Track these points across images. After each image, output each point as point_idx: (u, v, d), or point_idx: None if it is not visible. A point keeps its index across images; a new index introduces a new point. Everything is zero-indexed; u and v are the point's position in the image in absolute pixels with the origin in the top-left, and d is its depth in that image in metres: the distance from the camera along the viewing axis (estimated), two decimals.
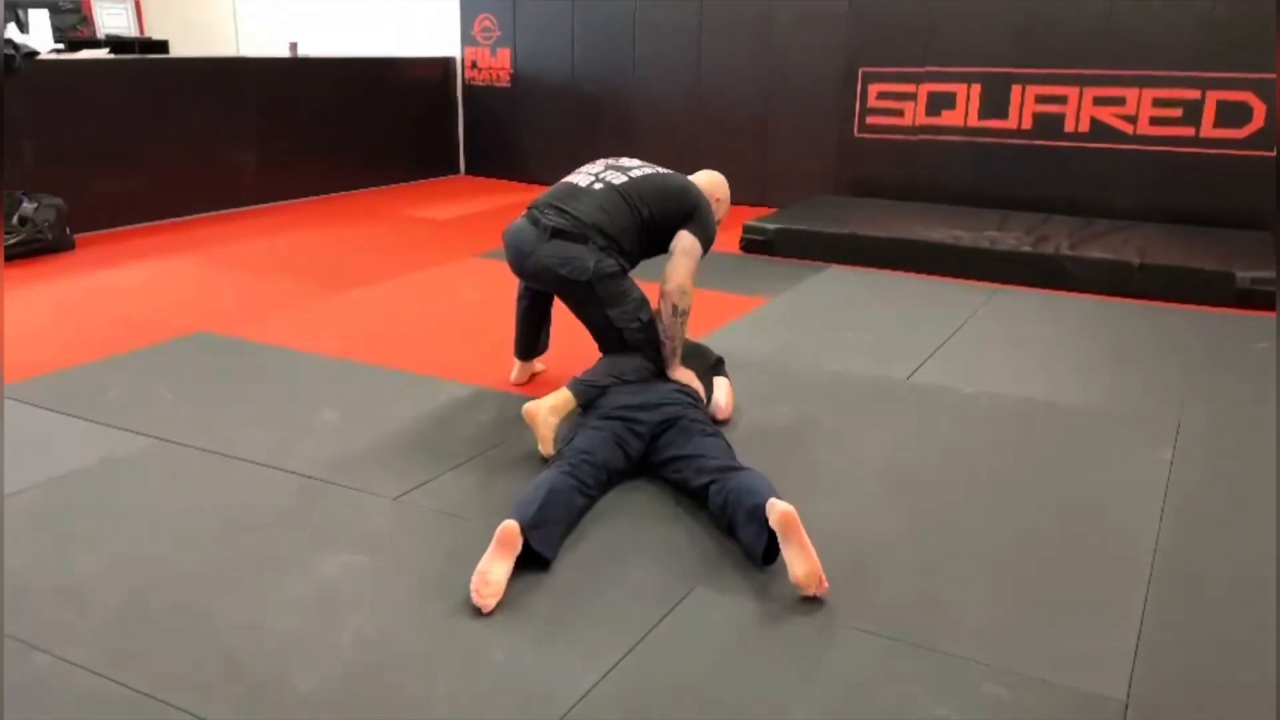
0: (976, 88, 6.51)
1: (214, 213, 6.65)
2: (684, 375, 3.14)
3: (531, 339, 3.51)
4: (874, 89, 6.86)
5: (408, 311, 4.55)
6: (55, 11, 8.78)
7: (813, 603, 2.23)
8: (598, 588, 2.28)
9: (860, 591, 2.29)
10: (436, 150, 8.48)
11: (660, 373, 3.09)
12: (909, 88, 6.73)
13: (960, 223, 5.72)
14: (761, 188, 7.26)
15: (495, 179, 8.44)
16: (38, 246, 5.26)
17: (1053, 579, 2.38)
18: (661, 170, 3.25)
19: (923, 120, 6.72)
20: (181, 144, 6.37)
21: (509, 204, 7.35)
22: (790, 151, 7.23)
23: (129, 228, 6.09)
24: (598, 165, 3.23)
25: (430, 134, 8.41)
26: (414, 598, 2.22)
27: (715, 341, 4.06)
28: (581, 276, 2.97)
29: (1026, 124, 6.41)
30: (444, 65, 8.38)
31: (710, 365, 3.36)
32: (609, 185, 3.10)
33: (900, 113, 6.79)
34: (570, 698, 1.91)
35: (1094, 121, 6.20)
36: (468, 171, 8.65)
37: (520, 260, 3.07)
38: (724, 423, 3.18)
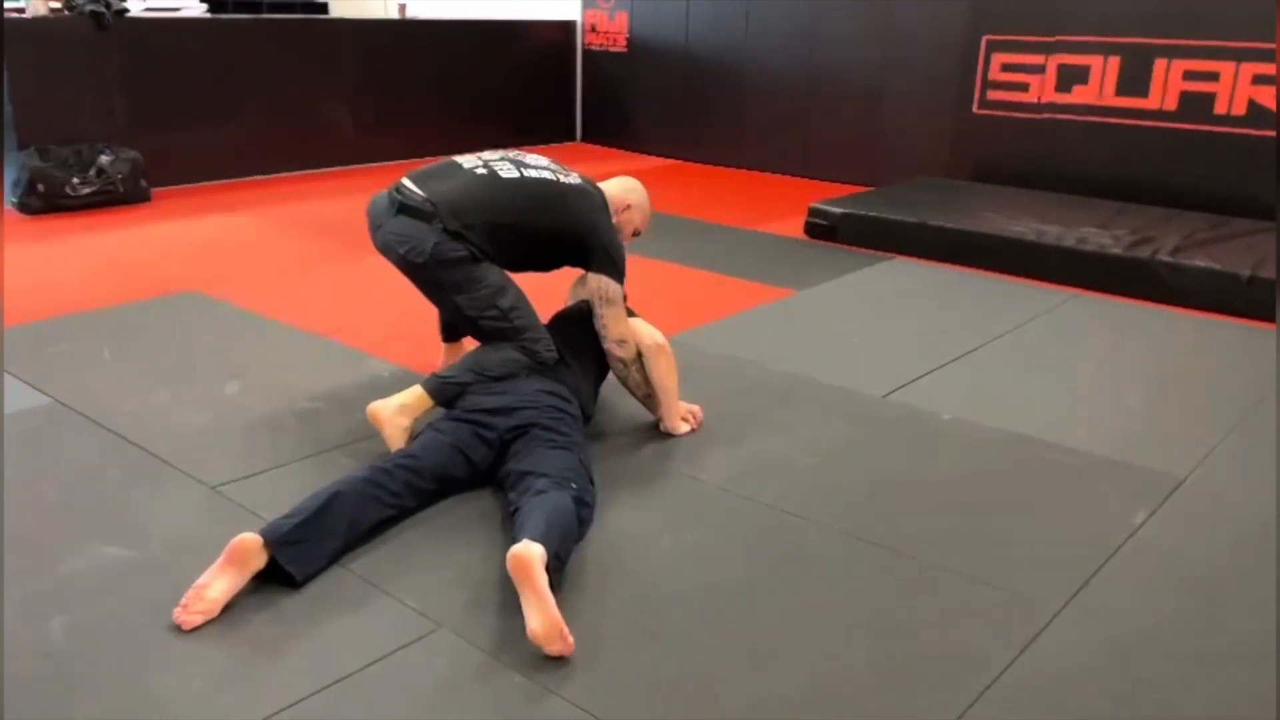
0: (1114, 60, 5.65)
1: (308, 171, 6.78)
2: (675, 424, 2.91)
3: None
4: (998, 59, 6.10)
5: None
6: None
7: (553, 664, 1.89)
8: (329, 615, 2.03)
9: (595, 657, 1.93)
10: (553, 116, 8.33)
11: (534, 368, 2.76)
12: (1037, 59, 5.94)
13: (1064, 215, 4.99)
14: (871, 167, 6.67)
15: (610, 147, 8.20)
16: (110, 197, 5.49)
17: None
18: (565, 179, 2.87)
19: (1050, 96, 5.92)
20: (274, 103, 6.50)
21: (602, 175, 7.10)
22: (903, 128, 6.58)
23: (214, 183, 6.28)
24: (497, 152, 2.92)
25: (548, 99, 8.26)
26: (133, 603, 2.04)
27: (698, 336, 3.71)
28: (418, 258, 2.67)
29: (1170, 104, 5.50)
30: (565, 28, 8.19)
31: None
32: (492, 173, 2.78)
33: (1025, 87, 6.01)
34: None
35: (1251, 104, 5.24)
36: (584, 139, 8.46)
37: (372, 234, 2.82)
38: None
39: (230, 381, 3.21)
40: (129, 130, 5.81)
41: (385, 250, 2.79)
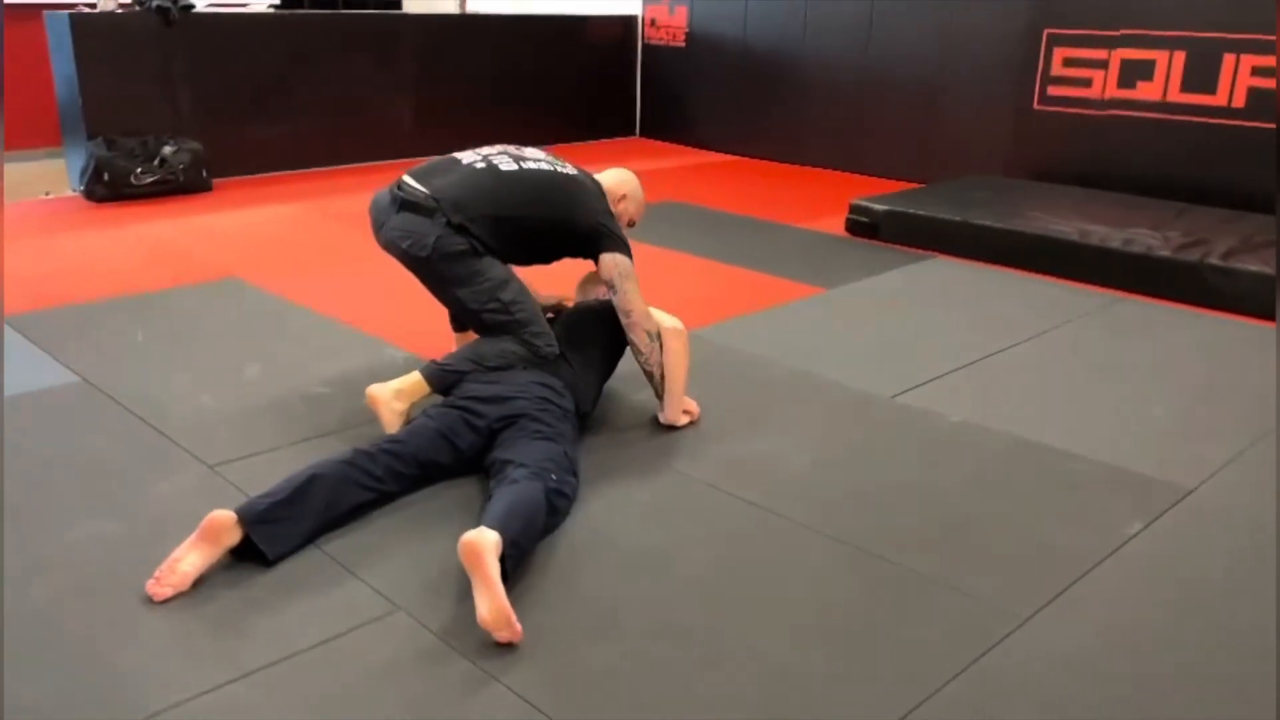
0: (1180, 55, 5.44)
1: (366, 164, 6.93)
2: (676, 415, 2.90)
3: None
4: (1059, 54, 5.92)
5: None
6: None
7: (502, 651, 1.91)
8: (295, 593, 2.08)
9: (544, 647, 1.94)
10: (613, 111, 8.36)
11: (533, 360, 2.78)
12: (1100, 53, 5.75)
13: (1116, 215, 4.82)
14: (926, 165, 6.54)
15: (668, 142, 8.19)
16: (171, 186, 5.70)
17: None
18: (563, 170, 2.90)
19: (1114, 92, 5.72)
20: (334, 96, 6.66)
21: (659, 169, 7.12)
22: (960, 125, 6.44)
23: (274, 174, 6.46)
24: (495, 148, 2.95)
25: (607, 94, 8.29)
26: (113, 575, 2.12)
27: (717, 332, 3.69)
28: (421, 252, 2.72)
29: (1239, 101, 5.27)
30: (625, 23, 8.21)
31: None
32: (492, 168, 2.82)
33: (1088, 82, 5.82)
34: (168, 700, 1.75)
35: None
36: (642, 134, 8.47)
37: (375, 232, 2.87)
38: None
39: (250, 365, 3.30)
40: (193, 122, 6.02)
41: (389, 247, 2.84)
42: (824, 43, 7.01)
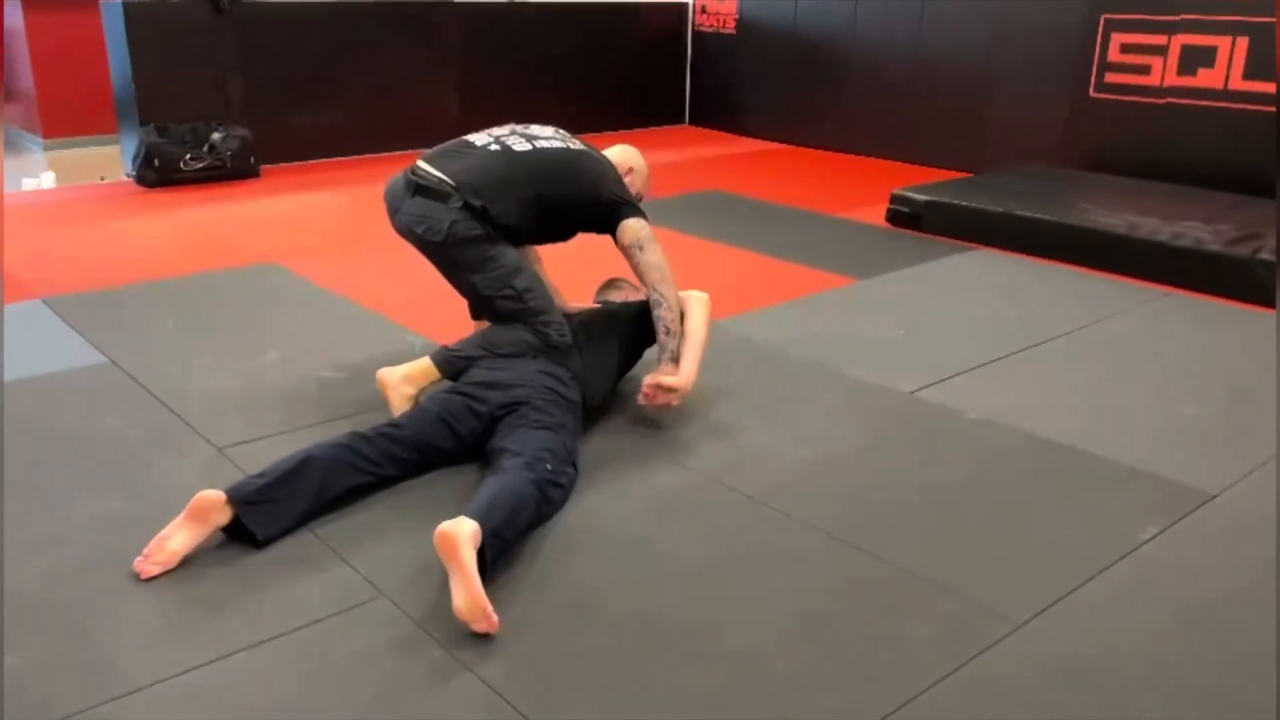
0: (1242, 41, 5.22)
1: (412, 151, 6.97)
2: (691, 376, 2.80)
3: None
4: (1117, 40, 5.73)
5: None
6: None
7: (478, 641, 1.90)
8: (281, 575, 2.10)
9: (521, 638, 1.92)
10: (662, 99, 8.30)
11: (544, 350, 2.77)
12: (1159, 39, 5.54)
13: (1169, 208, 4.65)
14: (978, 154, 6.38)
15: (717, 130, 8.12)
16: (219, 173, 5.80)
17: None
18: (574, 146, 2.90)
19: (1173, 80, 5.52)
20: (381, 84, 6.71)
21: (702, 157, 7.08)
22: (1013, 113, 6.27)
23: (321, 161, 6.55)
24: (505, 128, 2.94)
25: (657, 82, 8.24)
26: (109, 553, 2.15)
27: (738, 322, 3.64)
28: (435, 237, 2.72)
29: None
30: (677, 11, 8.15)
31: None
32: (505, 148, 2.81)
33: (1146, 69, 5.62)
34: (147, 678, 1.78)
35: None
36: (692, 122, 8.40)
37: (391, 217, 2.87)
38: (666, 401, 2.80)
39: (271, 349, 3.34)
40: (242, 109, 6.12)
41: (404, 232, 2.84)
42: (875, 29, 6.88)
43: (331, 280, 4.08)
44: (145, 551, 2.09)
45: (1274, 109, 5.07)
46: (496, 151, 2.81)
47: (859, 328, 3.69)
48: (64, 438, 2.70)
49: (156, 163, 5.66)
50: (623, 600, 2.06)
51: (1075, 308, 3.90)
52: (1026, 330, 3.64)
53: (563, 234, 2.97)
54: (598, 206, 2.85)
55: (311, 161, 6.50)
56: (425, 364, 2.75)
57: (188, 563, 2.11)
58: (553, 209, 2.83)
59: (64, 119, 7.28)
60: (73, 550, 2.18)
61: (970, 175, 6.01)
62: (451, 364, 2.75)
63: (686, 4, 8.13)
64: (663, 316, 2.81)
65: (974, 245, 4.74)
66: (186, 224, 5.00)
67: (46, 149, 7.29)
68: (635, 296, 3.20)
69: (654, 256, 2.82)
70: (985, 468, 2.64)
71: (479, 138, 2.89)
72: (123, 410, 2.87)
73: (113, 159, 6.39)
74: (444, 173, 2.74)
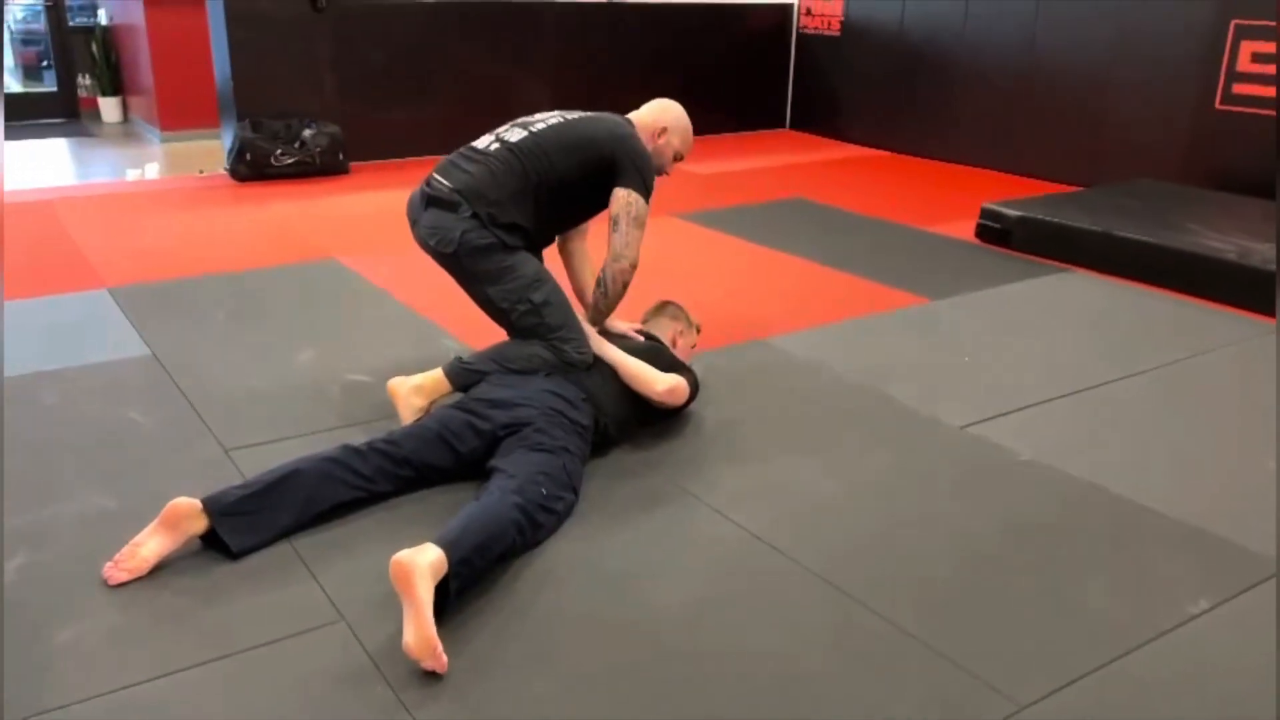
0: None
1: None
2: (602, 345, 2.73)
3: None
4: (1247, 48, 5.26)
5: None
6: None
7: (428, 680, 1.79)
8: (247, 589, 2.03)
9: (472, 681, 1.80)
10: (763, 102, 8.08)
11: (560, 368, 2.65)
12: None
13: None
14: (1090, 167, 5.97)
15: (818, 135, 7.86)
16: (308, 168, 5.90)
17: None
18: (576, 115, 2.81)
19: None
20: (474, 83, 6.71)
21: (797, 164, 6.85)
22: (1130, 125, 5.83)
23: (411, 159, 6.59)
24: (506, 125, 2.84)
25: (758, 85, 8.02)
26: (87, 552, 2.12)
27: (792, 341, 3.45)
28: (447, 248, 2.64)
29: None
30: (781, 12, 7.92)
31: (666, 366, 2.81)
32: (504, 145, 2.72)
33: None
34: (87, 690, 1.74)
35: None
36: (792, 126, 8.15)
37: (411, 230, 2.81)
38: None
39: (308, 348, 3.33)
40: (336, 106, 6.20)
41: (422, 245, 2.79)
42: (985, 34, 6.52)
43: (389, 280, 4.06)
44: (116, 557, 2.05)
45: None
46: (495, 150, 2.74)
47: (920, 352, 3.45)
48: (79, 430, 2.72)
49: (249, 157, 5.78)
50: (590, 643, 1.91)
51: (1167, 340, 3.56)
52: (1107, 363, 3.33)
53: (582, 211, 2.87)
54: (603, 167, 2.72)
55: (400, 159, 6.55)
56: (437, 375, 2.68)
57: (157, 570, 2.07)
58: (558, 187, 2.72)
59: (179, 112, 7.54)
60: (53, 547, 2.17)
61: (1079, 189, 5.62)
62: (462, 377, 2.67)
63: (791, 5, 7.90)
64: (596, 296, 2.82)
65: (1067, 266, 4.40)
66: (266, 218, 5.08)
67: (163, 141, 7.57)
68: (688, 333, 3.05)
69: (621, 240, 2.70)
70: (1026, 517, 2.39)
71: (483, 140, 2.83)
72: (145, 405, 2.88)
73: (215, 153, 6.58)
74: (451, 183, 2.67)
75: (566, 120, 2.79)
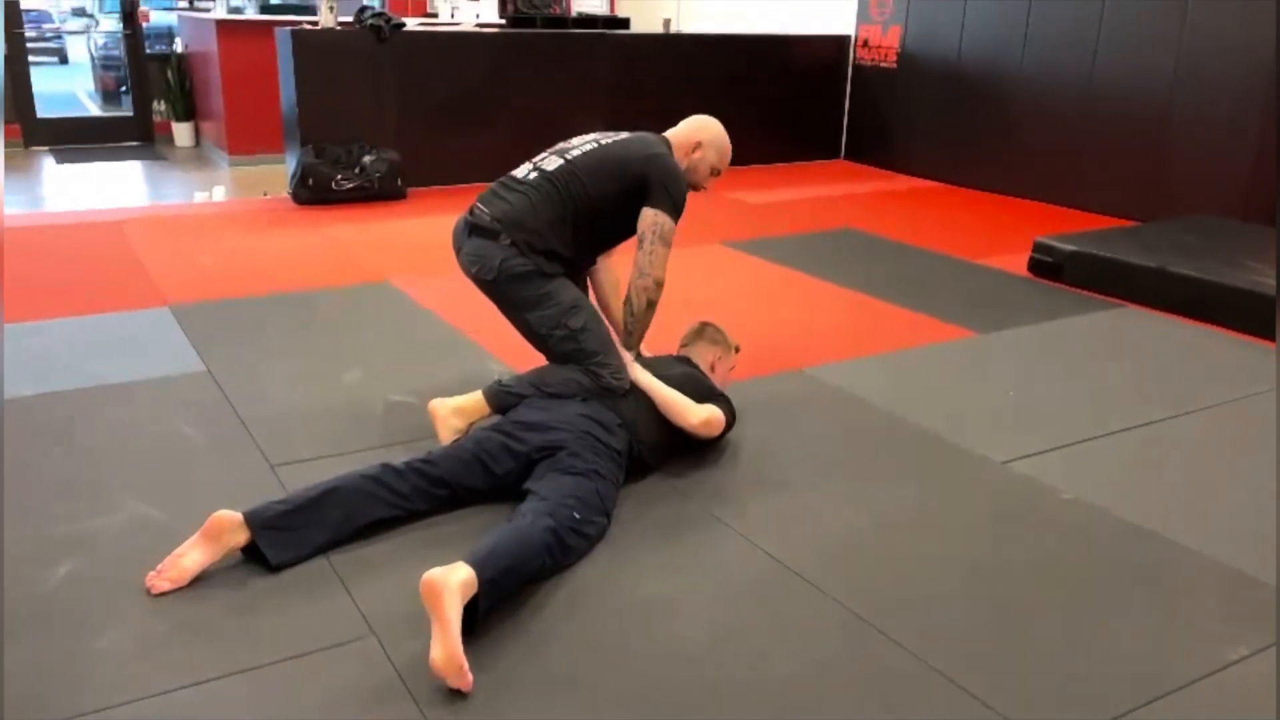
0: None
1: None
2: (638, 372, 2.75)
3: None
4: None
5: None
6: None
7: (454, 698, 1.82)
8: (283, 603, 2.08)
9: (496, 701, 1.82)
10: (818, 133, 8.10)
11: (597, 393, 2.68)
12: None
13: None
14: (1150, 202, 5.88)
15: (872, 167, 7.84)
16: (367, 193, 6.04)
17: None
18: (610, 139, 2.85)
19: None
20: (532, 112, 6.81)
21: (851, 194, 6.84)
22: (1193, 157, 5.73)
23: (468, 185, 6.69)
24: (544, 153, 2.89)
25: (814, 116, 8.04)
26: (133, 562, 2.19)
27: (832, 372, 3.45)
28: (487, 275, 2.70)
29: None
30: (838, 44, 7.94)
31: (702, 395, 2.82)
32: (542, 174, 2.77)
33: None
34: (123, 695, 1.80)
35: None
36: (847, 157, 8.15)
37: (456, 258, 2.87)
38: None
39: (356, 368, 3.40)
40: (396, 133, 6.35)
41: (465, 271, 2.85)
42: (1044, 65, 6.47)
43: (440, 303, 4.13)
44: (159, 567, 2.12)
45: None
46: (534, 179, 2.79)
47: (965, 386, 3.42)
48: (133, 443, 2.81)
49: (311, 181, 5.94)
50: (612, 673, 1.92)
51: (1221, 379, 3.49)
52: (1159, 401, 3.27)
53: (615, 237, 2.91)
54: (636, 187, 2.74)
55: (458, 186, 6.67)
56: (477, 397, 2.73)
57: (198, 580, 2.13)
58: (595, 211, 2.75)
59: (247, 137, 7.80)
60: (99, 555, 2.24)
61: (1138, 224, 5.53)
62: (501, 399, 2.72)
63: (848, 37, 7.91)
64: (624, 318, 2.84)
65: (1121, 302, 4.34)
66: (325, 241, 5.21)
67: (231, 164, 7.82)
68: (726, 357, 3.06)
69: (648, 259, 2.72)
70: (1063, 557, 2.35)
71: (522, 169, 2.88)
72: (197, 419, 2.97)
73: (281, 176, 6.77)
74: (492, 211, 2.73)
75: (601, 145, 2.83)
